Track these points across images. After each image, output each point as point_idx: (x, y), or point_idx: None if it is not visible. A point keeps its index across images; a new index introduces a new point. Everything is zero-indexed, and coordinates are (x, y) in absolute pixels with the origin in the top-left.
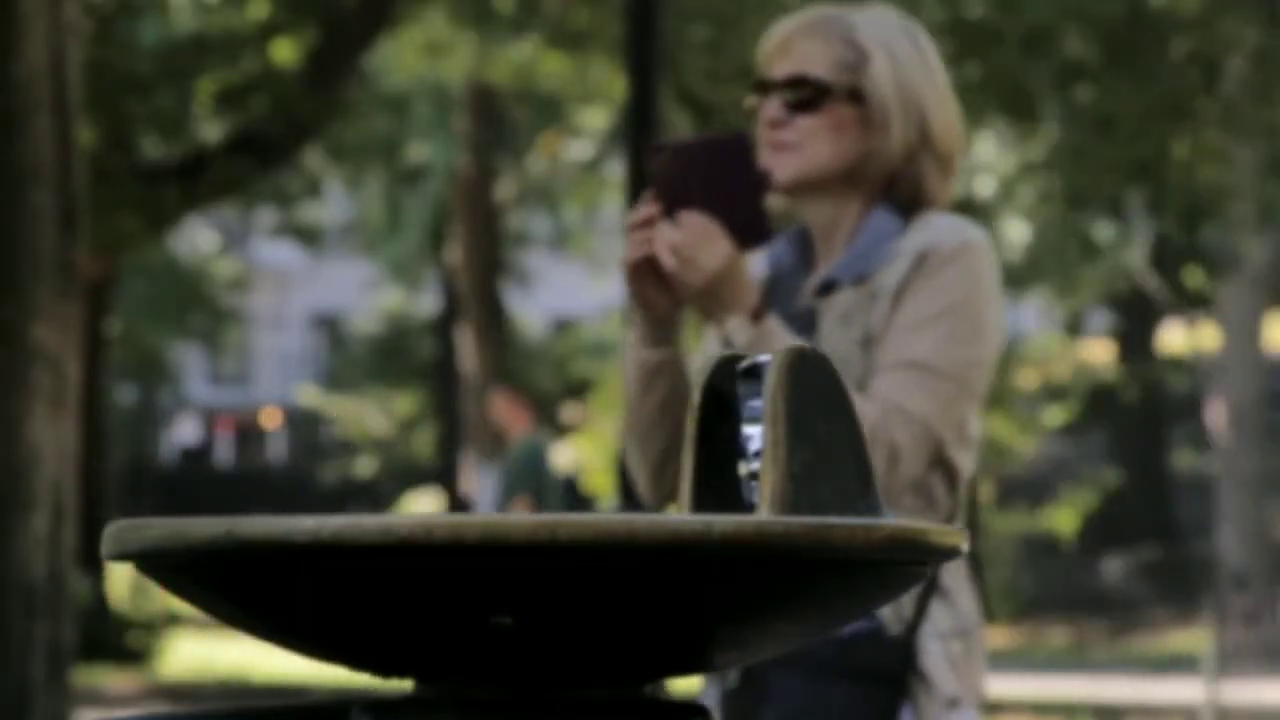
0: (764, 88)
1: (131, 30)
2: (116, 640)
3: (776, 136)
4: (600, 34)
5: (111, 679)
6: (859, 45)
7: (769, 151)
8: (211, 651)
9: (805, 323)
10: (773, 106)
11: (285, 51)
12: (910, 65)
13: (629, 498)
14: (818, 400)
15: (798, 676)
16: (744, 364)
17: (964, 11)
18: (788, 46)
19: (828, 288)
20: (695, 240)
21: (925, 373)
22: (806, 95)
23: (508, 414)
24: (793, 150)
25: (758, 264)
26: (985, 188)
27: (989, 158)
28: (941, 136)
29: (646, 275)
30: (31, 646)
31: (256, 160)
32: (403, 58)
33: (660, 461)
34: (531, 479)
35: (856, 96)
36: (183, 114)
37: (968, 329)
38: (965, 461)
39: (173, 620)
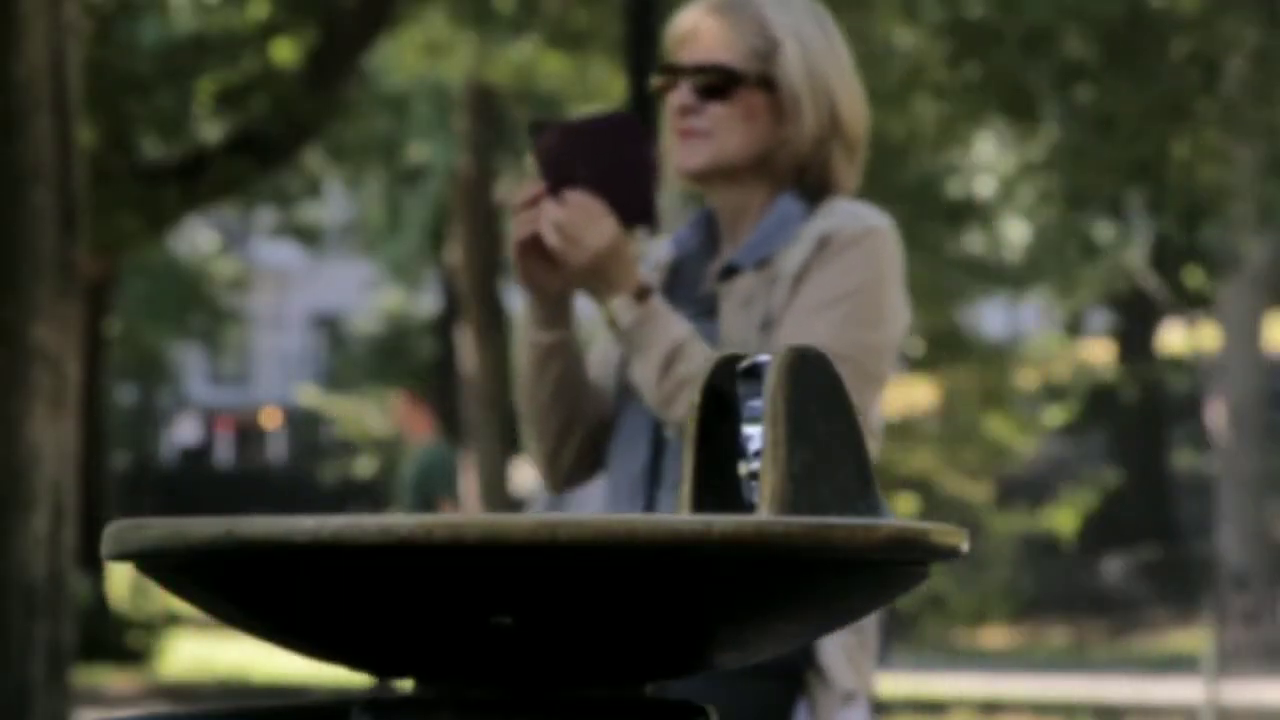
0: (672, 72)
1: (131, 30)
2: (116, 640)
3: (687, 124)
4: (600, 34)
5: (111, 679)
6: (769, 32)
7: (678, 138)
8: (211, 651)
9: (707, 307)
10: (683, 93)
11: (285, 51)
12: (820, 52)
13: None
14: (818, 400)
15: (695, 677)
16: (744, 364)
17: (964, 11)
18: (697, 32)
19: (729, 272)
20: (580, 218)
21: None
22: (717, 82)
23: (408, 419)
24: (704, 138)
25: (662, 248)
26: (985, 188)
27: (989, 158)
28: (850, 124)
29: (535, 256)
30: (31, 646)
31: (256, 160)
32: (403, 58)
33: (556, 445)
34: (451, 482)
35: (767, 84)
36: (183, 114)
37: (868, 313)
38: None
39: (173, 620)
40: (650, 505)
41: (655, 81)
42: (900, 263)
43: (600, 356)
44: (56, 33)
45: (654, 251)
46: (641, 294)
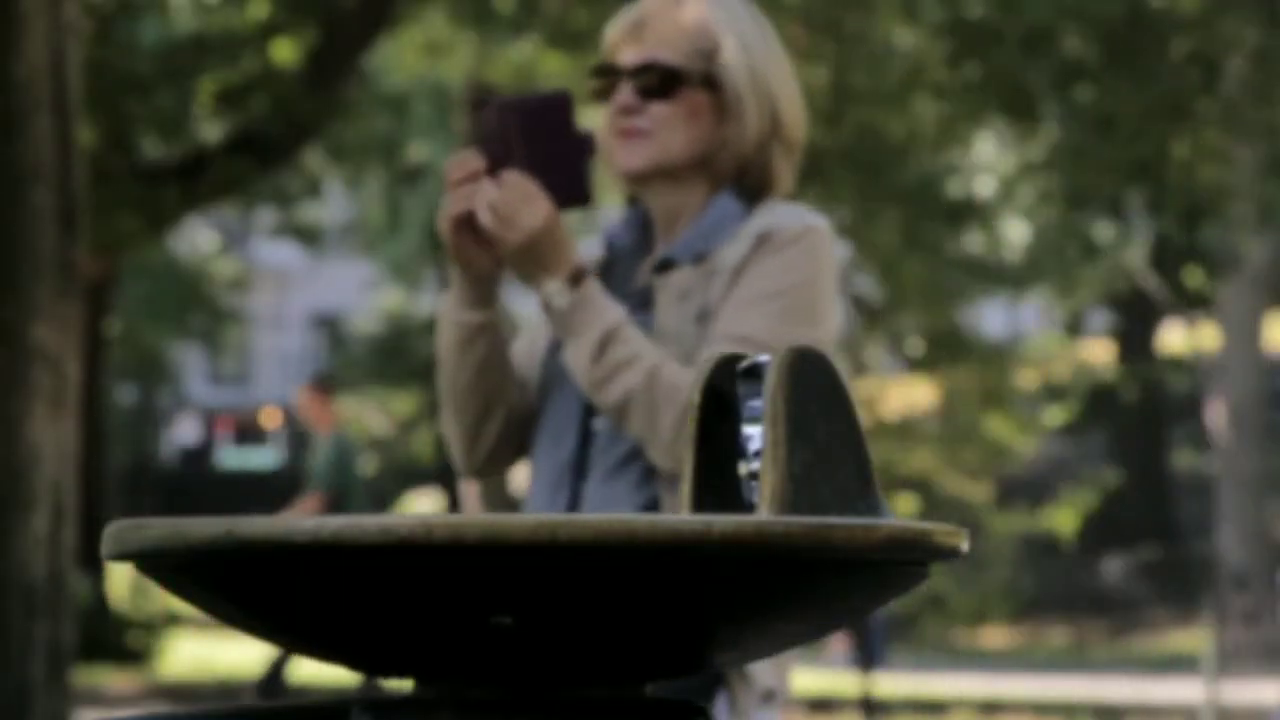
0: (612, 73)
1: (131, 30)
2: (116, 640)
3: (628, 123)
4: (600, 34)
5: (111, 679)
6: (710, 32)
7: (619, 139)
8: (211, 651)
9: (641, 300)
10: (624, 93)
11: (285, 51)
12: (761, 53)
13: None
14: (818, 400)
15: None
16: (744, 364)
17: (964, 11)
18: (639, 32)
19: (665, 266)
20: (515, 199)
21: (749, 345)
22: (660, 82)
23: (313, 411)
24: (645, 138)
25: (592, 246)
26: (985, 188)
27: (989, 158)
28: (790, 125)
29: (467, 232)
30: (31, 646)
31: (256, 160)
32: (403, 58)
33: (475, 428)
34: (332, 478)
35: (710, 83)
36: (183, 114)
37: (803, 310)
38: None
39: (173, 620)
40: (575, 497)
41: (594, 84)
42: (836, 263)
43: (526, 346)
44: (56, 33)
45: (585, 250)
46: (576, 277)
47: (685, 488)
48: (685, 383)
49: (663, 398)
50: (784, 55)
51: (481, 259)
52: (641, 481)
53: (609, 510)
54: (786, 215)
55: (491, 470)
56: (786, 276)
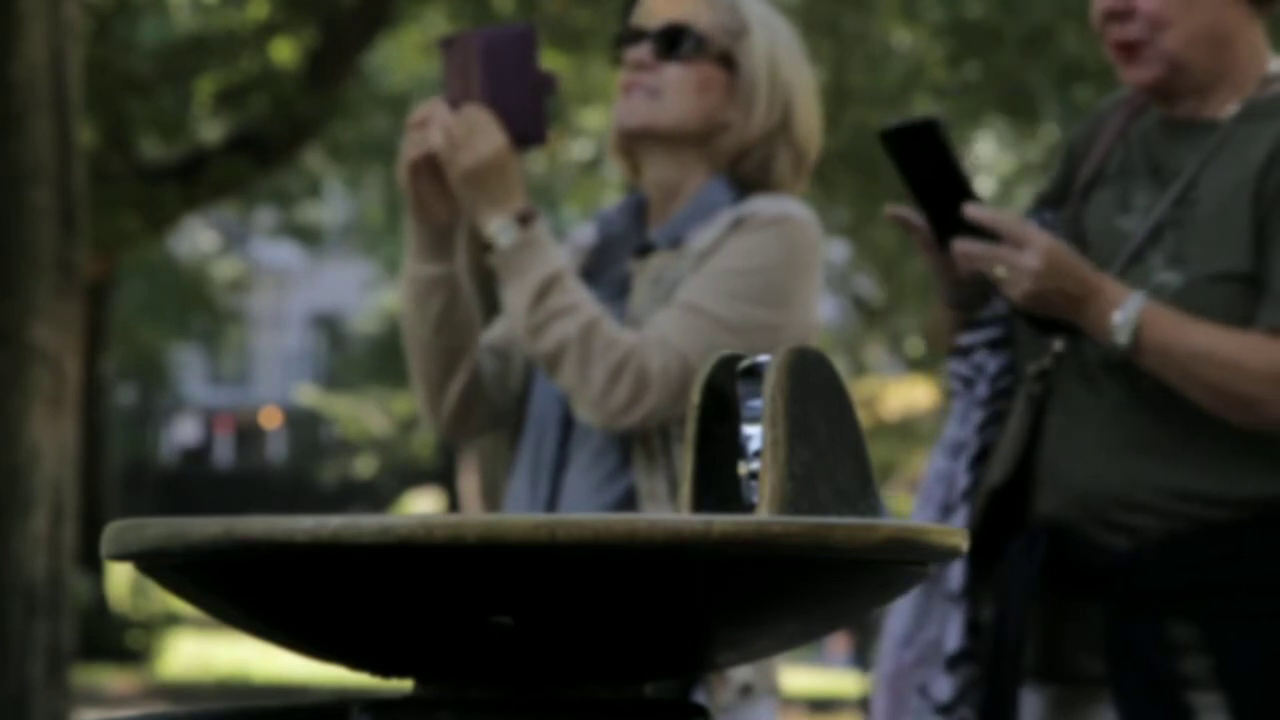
0: (637, 36)
1: (131, 30)
2: (116, 640)
3: (637, 78)
4: (600, 34)
5: (111, 679)
6: (741, 16)
7: (624, 93)
8: (211, 651)
9: (621, 287)
10: (641, 51)
11: (285, 51)
12: (786, 51)
13: None
14: (818, 400)
15: None
16: (744, 364)
17: (964, 11)
18: (672, 2)
19: (645, 251)
20: (470, 124)
21: (698, 315)
22: (679, 43)
23: None
24: (649, 94)
25: (587, 233)
26: (985, 188)
27: (989, 158)
28: (803, 130)
29: (425, 179)
30: (31, 646)
31: (256, 160)
32: (403, 58)
33: (437, 387)
34: None
35: (728, 62)
36: (183, 114)
37: (762, 291)
38: None
39: (173, 620)
40: (555, 489)
41: (615, 50)
42: (817, 258)
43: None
44: (56, 33)
45: (578, 235)
46: (525, 218)
47: (685, 488)
48: (623, 340)
49: (597, 350)
50: (809, 68)
51: (439, 208)
52: (617, 471)
53: (586, 501)
54: (767, 202)
55: (462, 432)
56: (752, 257)
